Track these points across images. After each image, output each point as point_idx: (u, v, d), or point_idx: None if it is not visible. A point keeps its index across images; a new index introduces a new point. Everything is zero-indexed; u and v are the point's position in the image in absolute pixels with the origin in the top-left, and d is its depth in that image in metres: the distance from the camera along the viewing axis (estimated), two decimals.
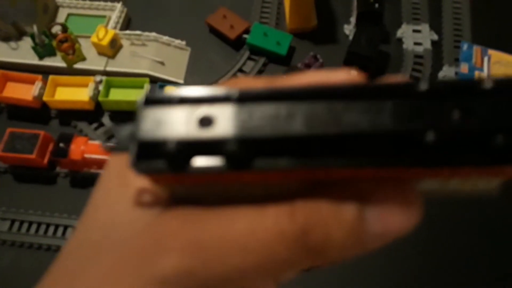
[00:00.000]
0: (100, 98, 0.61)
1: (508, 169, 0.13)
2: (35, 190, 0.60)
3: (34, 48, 0.67)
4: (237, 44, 0.71)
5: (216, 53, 0.71)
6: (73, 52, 0.66)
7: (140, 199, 0.16)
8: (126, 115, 0.64)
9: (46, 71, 0.67)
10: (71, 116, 0.64)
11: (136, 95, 0.62)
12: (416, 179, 0.15)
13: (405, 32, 0.72)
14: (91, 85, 0.62)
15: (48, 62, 0.68)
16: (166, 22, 0.74)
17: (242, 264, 0.13)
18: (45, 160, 0.59)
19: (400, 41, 0.71)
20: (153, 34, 0.69)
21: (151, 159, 0.13)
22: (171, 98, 0.14)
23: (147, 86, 0.62)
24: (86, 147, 0.58)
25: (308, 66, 0.66)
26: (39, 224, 0.57)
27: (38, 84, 0.62)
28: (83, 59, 0.68)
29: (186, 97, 0.14)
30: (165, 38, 0.69)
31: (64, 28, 0.66)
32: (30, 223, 0.57)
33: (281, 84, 0.15)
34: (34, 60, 0.68)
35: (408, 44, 0.70)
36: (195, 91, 0.14)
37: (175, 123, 0.13)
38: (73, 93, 0.63)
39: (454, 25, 0.72)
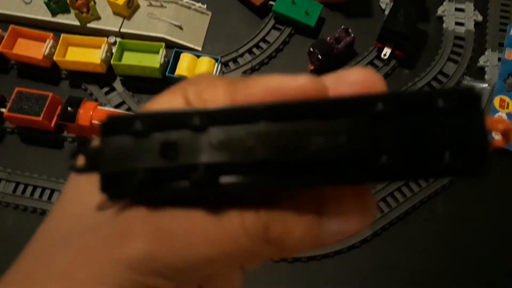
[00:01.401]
0: (113, 62, 0.58)
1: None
2: (42, 153, 0.58)
3: (47, 4, 0.63)
4: (262, 11, 0.66)
5: (238, 19, 0.67)
6: (87, 10, 0.63)
7: (102, 204, 0.16)
8: (139, 81, 0.60)
9: (58, 29, 0.64)
10: (82, 78, 0.61)
11: (151, 61, 0.58)
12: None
13: (446, 10, 0.65)
14: (104, 47, 0.59)
15: (61, 19, 0.64)
16: None
17: (209, 253, 0.14)
18: (53, 124, 0.56)
19: (440, 19, 0.65)
20: None
21: (119, 187, 0.14)
22: (133, 126, 0.14)
23: (162, 51, 0.58)
24: (95, 112, 0.55)
25: (338, 41, 0.61)
26: (43, 189, 0.55)
27: (49, 43, 0.59)
28: (98, 18, 0.64)
29: (146, 124, 0.14)
30: (185, 1, 0.65)
31: None
32: (35, 187, 0.55)
33: (241, 97, 0.15)
34: (46, 16, 0.64)
35: (448, 24, 0.64)
36: (155, 117, 0.14)
37: (139, 152, 0.14)
38: (85, 54, 0.60)
39: (501, 6, 0.66)
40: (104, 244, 0.15)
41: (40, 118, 0.54)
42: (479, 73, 0.61)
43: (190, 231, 0.14)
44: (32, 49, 0.60)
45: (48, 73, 0.61)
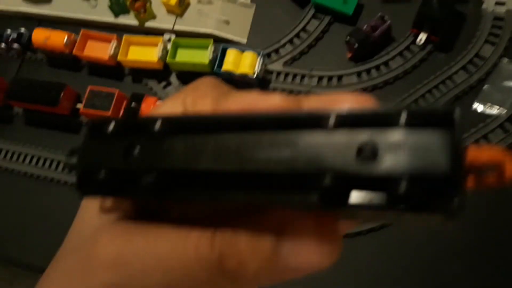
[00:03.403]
0: (168, 60, 0.65)
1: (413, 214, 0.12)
2: None
3: (110, 7, 0.71)
4: (303, 0, 0.70)
5: (280, 10, 0.71)
6: (144, 10, 0.70)
7: (103, 204, 0.17)
8: (192, 75, 0.67)
9: (120, 29, 0.72)
10: (142, 74, 0.69)
11: (201, 57, 0.65)
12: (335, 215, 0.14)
13: None
14: (160, 46, 0.66)
15: (122, 20, 0.72)
16: None
17: (164, 281, 0.15)
18: (120, 117, 0.65)
19: (480, 0, 0.66)
20: None
21: (90, 185, 0.15)
22: (106, 132, 0.15)
23: (211, 48, 0.64)
24: (155, 106, 0.63)
25: (374, 29, 0.64)
26: None
27: (114, 43, 0.67)
28: (154, 17, 0.71)
29: (115, 131, 0.15)
30: None
31: None
32: None
33: (222, 109, 0.16)
34: (110, 18, 0.72)
35: (488, 4, 0.64)
36: (124, 124, 0.15)
37: (107, 154, 0.15)
38: (144, 53, 0.67)
39: None
40: (78, 269, 0.16)
41: (109, 113, 0.63)
42: None
43: (146, 261, 0.15)
44: (99, 50, 0.69)
45: (113, 70, 0.70)
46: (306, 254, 0.13)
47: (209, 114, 0.15)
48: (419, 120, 0.11)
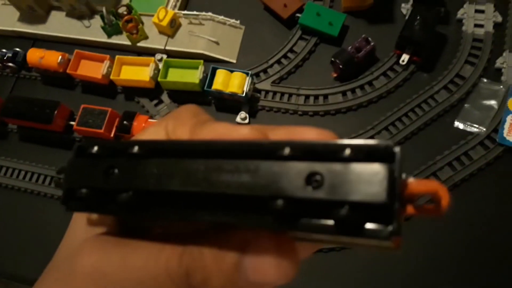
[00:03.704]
0: (159, 79, 0.67)
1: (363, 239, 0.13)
2: None
3: (103, 28, 0.73)
4: (290, 22, 0.72)
5: (268, 31, 0.73)
6: (137, 31, 0.72)
7: (89, 218, 0.19)
8: (183, 93, 0.69)
9: (113, 48, 0.74)
10: (134, 92, 0.71)
11: (192, 76, 0.67)
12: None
13: (466, 12, 0.68)
14: (152, 66, 0.68)
15: (115, 40, 0.74)
16: None
17: None
18: (112, 134, 0.66)
19: (460, 22, 0.68)
20: (209, 13, 0.72)
21: (74, 201, 0.17)
22: (90, 153, 0.17)
23: (201, 68, 0.66)
24: (146, 124, 0.64)
25: (358, 50, 0.66)
26: None
27: (107, 63, 0.69)
28: (146, 37, 0.73)
29: (98, 152, 0.16)
30: (221, 18, 0.72)
31: (129, 9, 0.71)
32: None
33: (198, 137, 0.17)
34: (103, 38, 0.74)
35: (468, 26, 0.67)
36: (106, 147, 0.16)
37: (89, 173, 0.16)
38: (136, 73, 0.69)
39: None
40: (59, 284, 0.17)
41: (102, 130, 0.65)
42: (496, 75, 0.64)
43: (120, 274, 0.16)
44: (92, 69, 0.70)
45: (106, 89, 0.72)
46: (266, 269, 0.14)
47: (181, 141, 0.17)
48: (362, 154, 0.13)
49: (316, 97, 0.67)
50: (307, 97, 0.67)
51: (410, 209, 0.13)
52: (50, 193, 0.67)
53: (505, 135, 0.60)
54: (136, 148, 0.16)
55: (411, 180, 0.13)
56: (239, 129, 0.16)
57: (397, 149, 0.13)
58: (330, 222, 0.13)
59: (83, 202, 0.16)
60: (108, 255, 0.16)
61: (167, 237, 0.16)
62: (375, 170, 0.12)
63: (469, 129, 0.62)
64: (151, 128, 0.19)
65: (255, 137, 0.16)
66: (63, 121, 0.68)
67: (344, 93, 0.66)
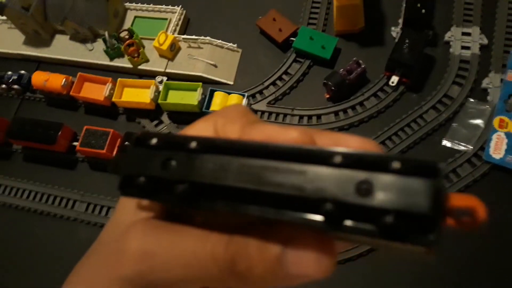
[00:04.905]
0: (160, 101, 0.70)
1: (397, 244, 0.14)
2: (106, 178, 0.71)
3: (106, 51, 0.76)
4: (285, 46, 0.75)
5: (264, 54, 0.76)
6: (138, 55, 0.75)
7: (140, 202, 0.19)
8: (182, 114, 0.72)
9: (115, 70, 0.77)
10: (135, 113, 0.74)
11: (191, 98, 0.69)
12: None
13: (454, 35, 0.71)
14: (152, 88, 0.71)
15: (117, 63, 0.77)
16: (220, 23, 0.80)
17: (183, 275, 0.17)
18: (114, 154, 0.69)
19: (447, 44, 0.71)
20: (208, 37, 0.75)
21: (130, 187, 0.17)
22: (149, 144, 0.17)
23: (200, 90, 0.69)
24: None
25: (350, 72, 0.69)
26: (109, 208, 0.69)
27: (109, 86, 0.72)
28: (147, 60, 0.76)
29: (156, 144, 0.17)
30: (218, 41, 0.75)
31: (131, 34, 0.75)
32: (102, 207, 0.69)
33: (247, 136, 0.18)
34: (105, 61, 0.77)
35: (455, 48, 0.70)
36: (164, 140, 0.17)
37: (148, 163, 0.17)
38: (137, 94, 0.72)
39: (507, 28, 0.70)
40: (107, 262, 0.18)
41: (104, 151, 0.67)
42: (482, 95, 0.67)
43: (169, 256, 0.17)
44: (95, 91, 0.73)
45: (108, 110, 0.75)
46: (306, 264, 0.15)
47: (237, 140, 0.17)
48: (410, 168, 0.14)
49: (310, 117, 0.69)
50: (301, 117, 0.70)
51: (450, 221, 0.14)
52: (54, 212, 0.69)
53: (491, 153, 0.62)
54: (194, 144, 0.17)
55: (452, 194, 0.14)
56: (288, 131, 0.17)
57: (442, 166, 0.14)
58: (374, 226, 0.14)
59: (140, 189, 0.17)
60: (158, 237, 0.17)
61: (210, 226, 0.17)
62: (421, 183, 0.13)
63: (456, 147, 0.64)
64: (200, 123, 0.19)
65: (304, 140, 0.17)
66: (66, 142, 0.71)
67: (336, 113, 0.69)
